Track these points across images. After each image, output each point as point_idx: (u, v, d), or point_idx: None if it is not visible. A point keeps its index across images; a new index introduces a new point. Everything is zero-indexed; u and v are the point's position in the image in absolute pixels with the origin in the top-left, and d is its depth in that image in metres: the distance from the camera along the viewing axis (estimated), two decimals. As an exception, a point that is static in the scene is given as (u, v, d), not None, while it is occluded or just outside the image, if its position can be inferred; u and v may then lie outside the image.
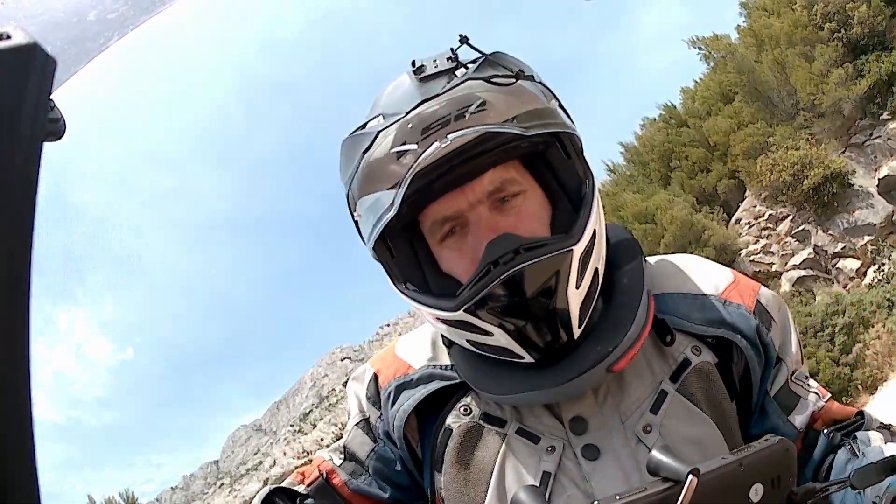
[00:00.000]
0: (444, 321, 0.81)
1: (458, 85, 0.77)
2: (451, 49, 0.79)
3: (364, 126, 0.81)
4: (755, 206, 16.12)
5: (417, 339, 0.96)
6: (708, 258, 1.01)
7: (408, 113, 0.76)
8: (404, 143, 0.76)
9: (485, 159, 0.78)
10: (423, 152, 0.74)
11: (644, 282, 0.85)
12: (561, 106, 0.86)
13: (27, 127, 0.33)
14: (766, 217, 15.77)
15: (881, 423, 0.91)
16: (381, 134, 0.78)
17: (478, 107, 0.75)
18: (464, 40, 0.78)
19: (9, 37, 0.33)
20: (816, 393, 0.93)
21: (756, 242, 15.80)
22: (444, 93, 0.76)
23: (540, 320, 0.76)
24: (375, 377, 0.92)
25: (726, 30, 18.60)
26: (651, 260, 0.98)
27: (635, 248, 0.90)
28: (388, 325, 41.81)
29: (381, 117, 0.80)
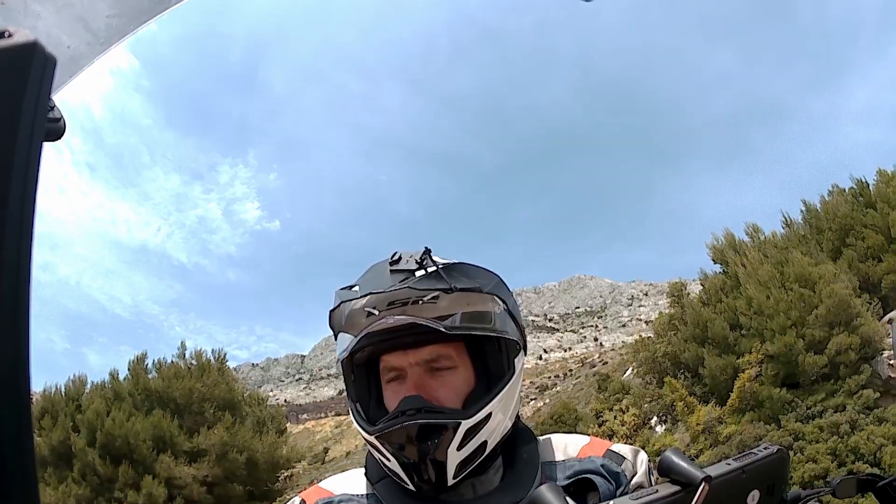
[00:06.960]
0: (365, 438, 1.04)
1: (424, 281, 0.99)
2: (419, 258, 1.02)
3: (352, 287, 1.06)
4: (915, 312, 15.18)
5: (337, 480, 1.15)
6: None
7: (385, 290, 0.99)
8: (374, 308, 0.99)
9: (429, 335, 1.01)
10: (379, 320, 0.99)
11: (538, 459, 1.07)
12: (509, 311, 1.09)
13: (27, 127, 0.33)
14: (923, 325, 14.82)
15: None
16: (364, 296, 1.01)
17: (430, 299, 0.98)
18: (427, 253, 1.02)
19: (9, 35, 0.34)
20: None
21: (901, 348, 14.94)
22: (411, 283, 0.99)
23: (421, 462, 0.97)
24: (303, 501, 1.09)
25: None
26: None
27: (530, 435, 1.14)
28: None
29: (360, 287, 1.04)
